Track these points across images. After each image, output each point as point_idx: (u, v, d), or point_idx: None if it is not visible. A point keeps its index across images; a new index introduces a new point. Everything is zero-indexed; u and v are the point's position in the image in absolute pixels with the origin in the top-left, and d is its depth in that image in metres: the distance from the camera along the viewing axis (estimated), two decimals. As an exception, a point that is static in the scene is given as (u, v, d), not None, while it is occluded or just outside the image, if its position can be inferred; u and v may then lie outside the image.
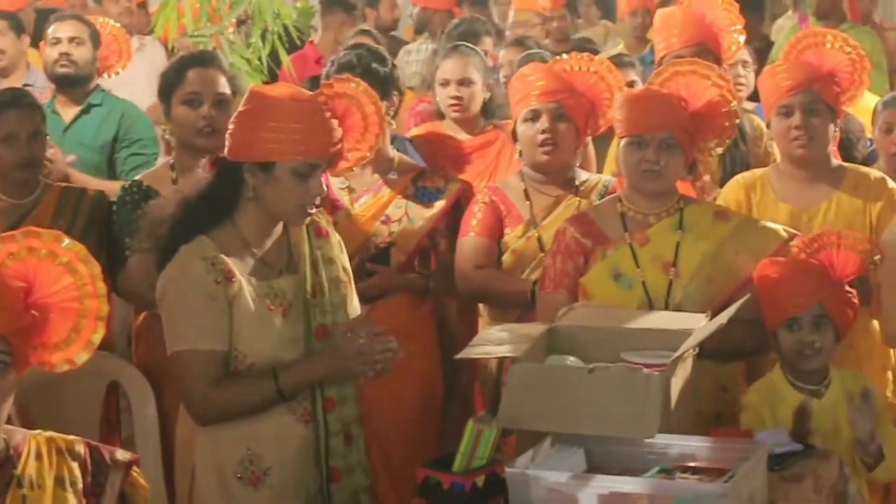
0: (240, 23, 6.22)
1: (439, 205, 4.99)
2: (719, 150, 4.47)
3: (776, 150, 5.14)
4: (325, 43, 9.08)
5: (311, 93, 3.92)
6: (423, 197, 5.00)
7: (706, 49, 5.44)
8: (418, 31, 10.10)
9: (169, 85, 4.83)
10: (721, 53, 5.51)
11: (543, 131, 4.83)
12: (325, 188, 3.85)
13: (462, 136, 5.97)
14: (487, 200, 4.93)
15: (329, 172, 3.99)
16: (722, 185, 5.04)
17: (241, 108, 3.81)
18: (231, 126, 3.81)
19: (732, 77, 6.49)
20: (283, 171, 3.74)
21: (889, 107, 5.35)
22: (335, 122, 3.85)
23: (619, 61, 6.38)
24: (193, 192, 3.83)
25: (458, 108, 5.93)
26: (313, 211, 3.83)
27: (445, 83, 5.95)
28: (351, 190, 4.98)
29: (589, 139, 5.26)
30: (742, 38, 5.63)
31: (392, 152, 5.08)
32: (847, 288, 4.14)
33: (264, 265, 3.82)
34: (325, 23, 9.34)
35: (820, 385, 4.11)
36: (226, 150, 3.81)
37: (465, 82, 5.92)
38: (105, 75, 6.82)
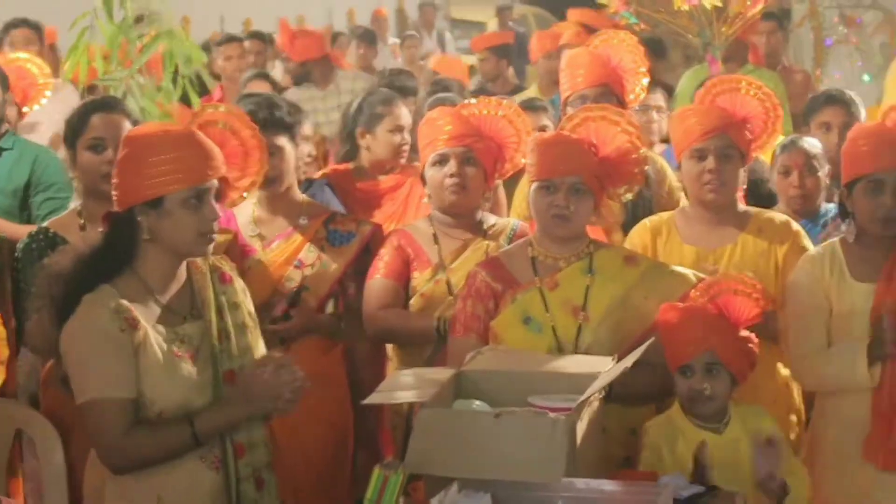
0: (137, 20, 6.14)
1: (351, 248, 5.00)
2: (629, 196, 4.49)
3: (680, 193, 5.18)
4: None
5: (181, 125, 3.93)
6: (336, 240, 5.01)
7: (610, 91, 5.51)
8: (298, 82, 10.10)
9: (73, 131, 4.80)
10: (625, 95, 5.57)
11: (451, 175, 4.86)
12: (218, 212, 3.83)
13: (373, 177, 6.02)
14: (395, 244, 4.94)
15: (222, 203, 3.97)
16: (625, 228, 5.06)
17: (119, 156, 3.80)
18: (115, 178, 3.79)
19: (645, 121, 6.58)
20: (174, 204, 3.73)
21: (787, 150, 5.43)
22: (213, 146, 3.84)
23: (531, 105, 6.43)
24: (88, 247, 3.82)
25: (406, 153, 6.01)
26: (214, 237, 3.82)
27: (397, 129, 6.00)
28: (262, 237, 4.97)
29: (499, 183, 5.29)
30: (646, 81, 5.67)
31: (300, 197, 5.08)
32: (743, 334, 4.17)
33: (169, 311, 3.80)
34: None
35: (719, 423, 4.13)
36: (114, 202, 3.79)
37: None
38: (27, 107, 6.77)
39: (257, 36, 10.99)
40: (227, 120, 4.04)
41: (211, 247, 3.85)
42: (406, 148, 6.03)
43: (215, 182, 3.82)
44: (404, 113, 6.07)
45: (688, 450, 3.99)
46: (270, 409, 3.77)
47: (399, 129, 6.01)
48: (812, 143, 5.48)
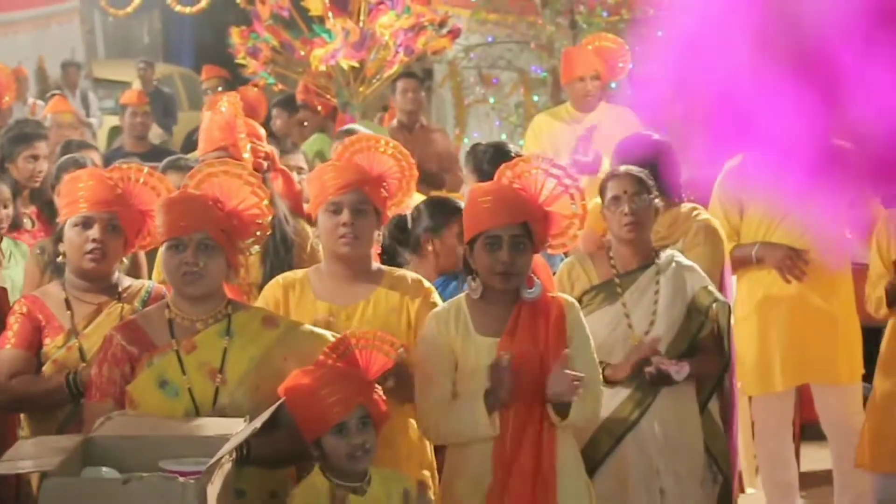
0: None
1: None
2: (256, 248, 4.51)
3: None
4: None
5: None
6: None
7: (228, 154, 5.57)
8: None
9: None
10: (240, 157, 5.63)
11: (94, 240, 4.79)
12: None
13: None
14: (24, 311, 4.83)
15: None
16: (261, 288, 5.08)
17: None
18: None
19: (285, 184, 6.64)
20: None
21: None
22: None
23: (174, 165, 6.43)
24: None
25: None
26: None
27: None
28: None
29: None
30: (249, 147, 5.75)
31: None
32: (378, 391, 4.24)
33: None
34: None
35: (362, 482, 4.18)
36: None
37: None
38: None
39: None
40: None
41: None
42: None
43: None
44: None
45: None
46: None
47: None
48: None
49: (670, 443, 5.23)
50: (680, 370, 5.14)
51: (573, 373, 4.37)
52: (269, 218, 4.52)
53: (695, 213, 5.81)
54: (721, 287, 5.73)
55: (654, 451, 5.20)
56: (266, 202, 4.47)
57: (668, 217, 5.76)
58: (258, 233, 4.47)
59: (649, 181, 5.33)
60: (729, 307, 5.36)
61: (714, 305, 5.27)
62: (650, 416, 5.21)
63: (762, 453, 5.95)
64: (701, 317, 5.28)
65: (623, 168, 5.37)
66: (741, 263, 6.41)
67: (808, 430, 7.53)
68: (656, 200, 5.34)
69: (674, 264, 5.33)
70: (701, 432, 5.34)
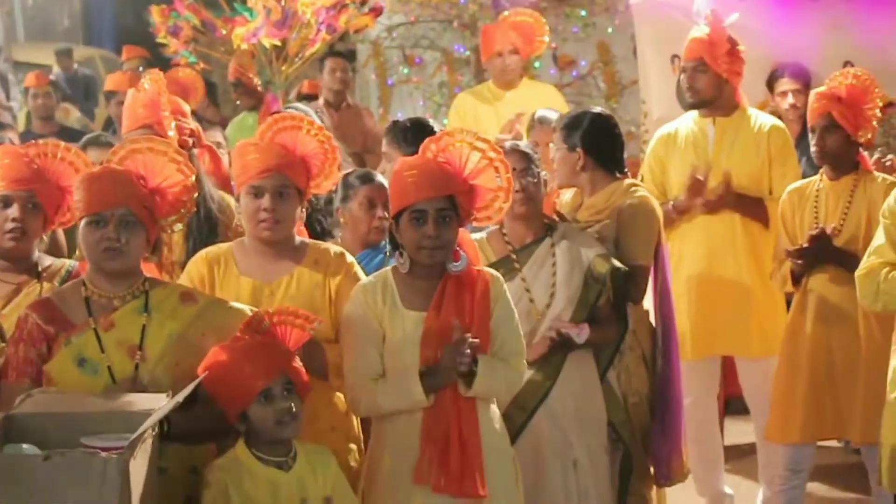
0: None
1: None
2: (179, 226, 4.48)
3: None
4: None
5: None
6: None
7: (153, 132, 5.50)
8: None
9: None
10: (165, 134, 5.59)
11: (13, 219, 4.75)
12: None
13: None
14: None
15: None
16: (184, 265, 5.04)
17: None
18: None
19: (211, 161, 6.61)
20: None
21: (365, 183, 5.59)
22: None
23: (97, 142, 6.37)
24: None
25: None
26: None
27: None
28: None
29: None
30: (174, 125, 5.70)
31: None
32: (298, 361, 4.24)
33: None
34: None
35: (287, 457, 4.17)
36: None
37: None
38: None
39: None
40: None
41: None
42: None
43: None
44: None
45: (255, 488, 4.03)
46: None
47: None
48: None
49: (579, 413, 5.30)
50: (580, 332, 5.23)
51: (471, 340, 4.39)
52: (195, 195, 4.48)
53: (632, 188, 5.84)
54: (657, 261, 5.79)
55: (565, 424, 5.27)
56: (192, 179, 4.43)
57: (607, 192, 5.80)
58: (182, 210, 4.43)
59: (535, 156, 5.40)
60: (625, 273, 5.42)
61: (610, 272, 5.33)
62: (559, 388, 5.27)
63: (686, 424, 5.99)
64: (598, 285, 5.34)
65: (509, 144, 5.38)
66: (667, 222, 6.46)
67: (733, 403, 7.61)
68: (543, 174, 5.41)
69: (567, 235, 5.39)
70: (603, 402, 5.40)
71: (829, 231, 5.99)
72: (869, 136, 6.09)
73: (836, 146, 6.06)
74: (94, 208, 4.26)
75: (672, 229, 6.58)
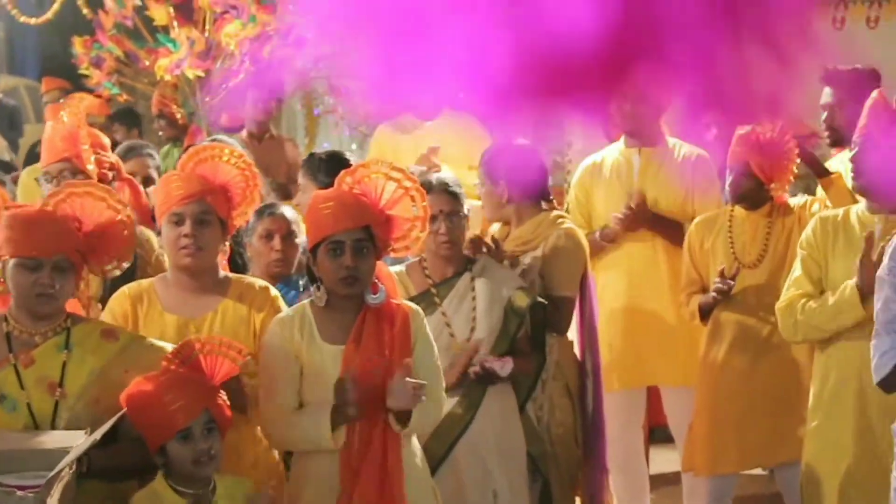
0: None
1: None
2: (117, 272, 4.50)
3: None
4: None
5: None
6: None
7: (72, 165, 5.54)
8: None
9: None
10: (84, 168, 5.56)
11: None
12: None
13: None
14: None
15: None
16: (102, 301, 5.02)
17: None
18: None
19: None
20: None
21: (267, 215, 5.55)
22: None
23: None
24: None
25: None
26: None
27: None
28: None
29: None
30: (94, 158, 5.67)
31: None
32: (222, 396, 4.22)
33: None
34: None
35: (206, 489, 4.15)
36: None
37: None
38: None
39: None
40: None
41: None
42: None
43: None
44: None
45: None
46: None
47: None
48: (292, 211, 5.62)
49: (499, 444, 5.33)
50: (504, 365, 5.27)
51: (414, 381, 4.39)
52: (134, 246, 4.50)
53: (559, 220, 5.88)
54: (583, 291, 5.82)
55: (486, 454, 5.29)
56: (131, 229, 4.47)
57: (534, 223, 5.83)
58: (118, 258, 4.45)
59: (462, 196, 5.40)
60: (544, 307, 5.46)
61: (530, 306, 5.37)
62: (480, 419, 5.29)
63: (611, 454, 6.01)
64: (518, 318, 5.38)
65: (437, 183, 5.38)
66: (593, 252, 6.49)
67: (657, 432, 7.64)
68: (467, 211, 5.43)
69: (487, 268, 5.43)
70: (522, 434, 5.42)
71: (742, 268, 6.07)
72: (781, 191, 6.16)
73: (750, 191, 6.14)
74: (30, 252, 4.24)
75: (597, 259, 6.61)
